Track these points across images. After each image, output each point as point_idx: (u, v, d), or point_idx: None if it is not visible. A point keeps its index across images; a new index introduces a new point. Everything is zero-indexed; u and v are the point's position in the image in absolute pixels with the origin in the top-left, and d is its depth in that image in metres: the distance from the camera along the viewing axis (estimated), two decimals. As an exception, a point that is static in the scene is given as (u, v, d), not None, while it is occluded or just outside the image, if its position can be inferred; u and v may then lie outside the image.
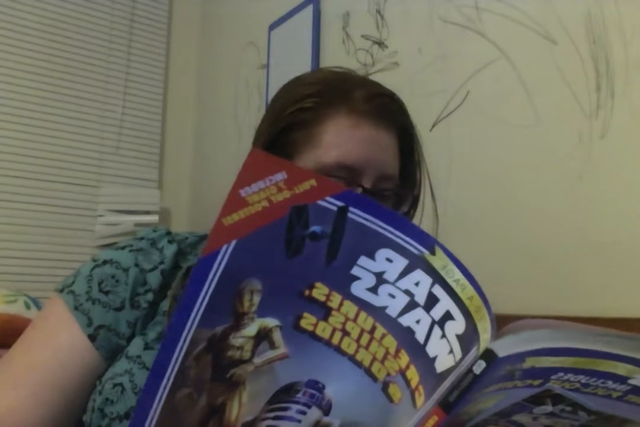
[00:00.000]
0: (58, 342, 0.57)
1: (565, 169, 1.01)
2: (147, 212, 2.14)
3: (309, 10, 1.69)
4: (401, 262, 0.36)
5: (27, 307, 1.43)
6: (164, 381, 0.35)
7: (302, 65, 1.68)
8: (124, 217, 2.11)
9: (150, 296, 0.60)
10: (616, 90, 0.95)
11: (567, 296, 0.97)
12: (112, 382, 0.55)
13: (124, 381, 0.55)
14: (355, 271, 0.36)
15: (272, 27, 1.87)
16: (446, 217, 1.17)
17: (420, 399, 0.37)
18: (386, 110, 0.66)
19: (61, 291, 0.60)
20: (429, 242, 0.36)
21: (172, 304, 0.59)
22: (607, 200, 0.95)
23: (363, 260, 0.36)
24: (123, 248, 0.62)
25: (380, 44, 1.44)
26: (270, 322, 0.36)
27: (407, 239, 0.36)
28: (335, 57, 1.61)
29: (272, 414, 0.37)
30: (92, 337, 0.57)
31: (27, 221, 1.95)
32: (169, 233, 0.65)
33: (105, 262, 0.61)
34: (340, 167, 0.62)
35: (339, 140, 0.63)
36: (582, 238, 0.97)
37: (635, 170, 0.92)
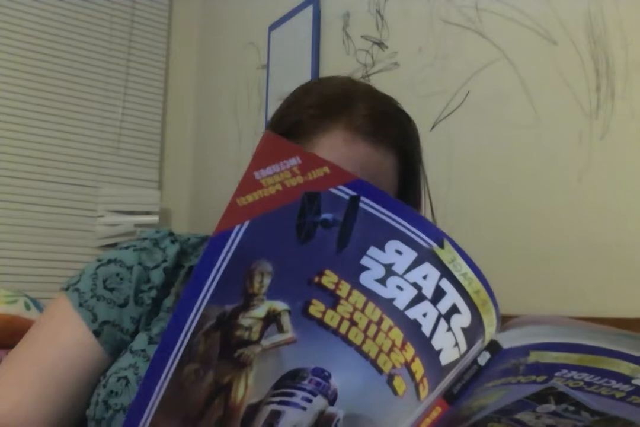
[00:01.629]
0: (63, 339, 0.58)
1: (565, 169, 1.01)
2: (147, 213, 2.14)
3: (309, 10, 1.70)
4: (410, 255, 0.36)
5: (27, 307, 1.43)
6: (172, 354, 0.35)
7: (302, 66, 1.68)
8: (124, 218, 2.11)
9: (153, 293, 0.61)
10: (616, 91, 0.95)
11: (567, 296, 0.97)
12: (116, 375, 0.56)
13: (129, 374, 0.56)
14: (364, 261, 0.37)
15: (272, 27, 1.88)
16: (446, 217, 1.17)
17: (424, 392, 0.37)
18: (386, 129, 0.62)
19: (66, 289, 0.61)
20: (438, 235, 0.37)
21: (176, 301, 0.60)
22: (607, 200, 0.95)
23: (373, 251, 0.36)
24: (127, 248, 0.64)
25: (380, 44, 1.44)
26: (280, 305, 0.37)
27: (417, 231, 0.36)
28: (335, 58, 1.61)
29: (277, 399, 0.37)
30: (96, 333, 0.58)
31: (27, 221, 1.95)
32: (171, 234, 0.67)
33: (109, 261, 0.62)
34: None
35: (332, 156, 0.59)
36: (582, 238, 0.97)
37: (635, 171, 0.92)
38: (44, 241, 1.97)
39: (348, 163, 0.58)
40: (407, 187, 0.66)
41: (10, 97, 1.96)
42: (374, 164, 0.61)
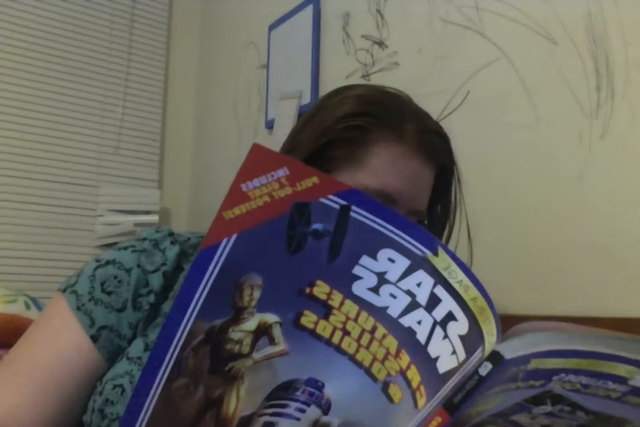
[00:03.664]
0: (61, 342, 0.58)
1: (565, 169, 1.01)
2: (147, 212, 2.14)
3: (309, 10, 1.69)
4: (403, 263, 0.36)
5: (27, 307, 1.43)
6: (161, 369, 0.35)
7: (302, 65, 1.68)
8: (124, 217, 2.11)
9: (152, 298, 0.60)
10: (616, 90, 0.95)
11: (567, 296, 0.97)
12: (112, 383, 0.55)
13: (124, 382, 0.55)
14: (356, 270, 0.36)
15: (272, 27, 1.87)
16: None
17: (421, 400, 0.37)
18: (434, 148, 0.64)
19: (64, 290, 0.60)
20: (432, 243, 0.36)
21: None
22: (607, 200, 0.95)
23: (365, 259, 0.36)
24: (126, 248, 0.63)
25: (380, 44, 1.44)
26: (270, 318, 0.36)
27: (410, 239, 0.36)
28: (335, 57, 1.61)
29: (270, 411, 0.37)
30: (94, 338, 0.58)
31: (27, 220, 1.95)
32: (171, 234, 0.65)
33: (108, 262, 0.61)
34: (380, 193, 0.60)
35: (388, 166, 0.61)
36: (582, 238, 0.97)
37: (635, 170, 0.91)
38: (44, 241, 1.97)
39: (401, 174, 0.61)
40: (436, 197, 0.69)
41: (10, 96, 1.96)
42: (421, 179, 0.64)
